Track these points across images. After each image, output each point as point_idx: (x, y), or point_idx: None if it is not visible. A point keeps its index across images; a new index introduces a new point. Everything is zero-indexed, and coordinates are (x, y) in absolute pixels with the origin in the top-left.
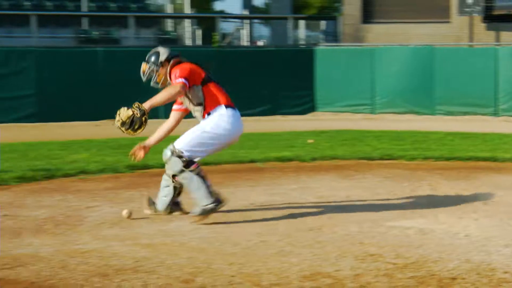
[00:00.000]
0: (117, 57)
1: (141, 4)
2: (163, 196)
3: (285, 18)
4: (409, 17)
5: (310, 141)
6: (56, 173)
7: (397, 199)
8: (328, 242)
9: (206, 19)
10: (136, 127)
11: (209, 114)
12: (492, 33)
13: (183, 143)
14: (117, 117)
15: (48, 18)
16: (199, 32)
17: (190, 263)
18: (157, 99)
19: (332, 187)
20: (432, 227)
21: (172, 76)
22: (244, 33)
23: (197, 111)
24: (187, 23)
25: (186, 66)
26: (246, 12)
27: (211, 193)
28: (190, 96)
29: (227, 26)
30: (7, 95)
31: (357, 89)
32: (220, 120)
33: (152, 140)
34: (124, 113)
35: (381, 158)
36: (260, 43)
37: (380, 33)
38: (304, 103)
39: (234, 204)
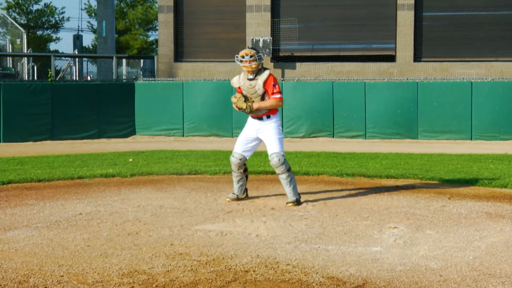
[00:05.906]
0: None
1: None
2: (293, 187)
3: (110, 57)
4: (212, 57)
5: (130, 160)
6: None
7: (202, 206)
8: (144, 244)
9: (42, 57)
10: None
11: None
12: (278, 71)
13: (280, 147)
14: (235, 100)
15: None
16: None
17: (24, 267)
18: (266, 104)
19: (148, 197)
20: (230, 229)
21: (271, 85)
22: (75, 70)
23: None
24: (25, 60)
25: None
26: (76, 52)
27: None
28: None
29: (60, 63)
30: None
31: (170, 116)
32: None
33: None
34: (241, 103)
35: (189, 173)
36: (88, 78)
37: (189, 70)
38: (126, 128)
39: (64, 215)
